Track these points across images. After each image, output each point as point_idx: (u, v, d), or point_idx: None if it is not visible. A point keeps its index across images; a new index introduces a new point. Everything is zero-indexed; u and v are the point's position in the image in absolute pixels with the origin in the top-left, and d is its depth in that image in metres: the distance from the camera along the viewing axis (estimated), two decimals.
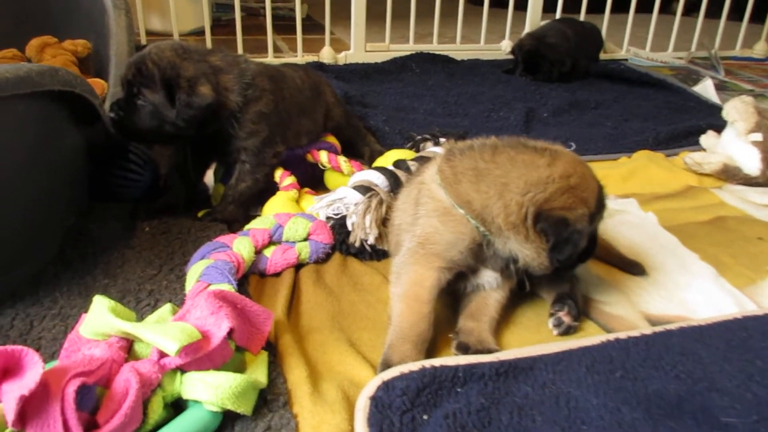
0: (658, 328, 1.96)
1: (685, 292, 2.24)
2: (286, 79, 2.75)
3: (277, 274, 2.21)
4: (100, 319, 1.56)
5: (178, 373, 1.55)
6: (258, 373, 1.68)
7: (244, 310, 1.74)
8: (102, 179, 2.56)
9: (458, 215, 1.86)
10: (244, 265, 2.09)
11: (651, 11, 5.76)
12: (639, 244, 2.54)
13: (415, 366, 1.70)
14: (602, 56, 5.67)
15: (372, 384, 1.65)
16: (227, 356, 1.64)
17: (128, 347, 1.57)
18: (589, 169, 1.92)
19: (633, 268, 2.33)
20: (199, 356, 1.54)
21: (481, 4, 5.47)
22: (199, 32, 5.89)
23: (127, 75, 2.33)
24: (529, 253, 1.83)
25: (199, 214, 2.55)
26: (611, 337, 1.90)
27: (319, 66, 4.71)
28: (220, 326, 1.58)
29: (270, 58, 4.89)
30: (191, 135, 2.41)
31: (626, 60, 5.77)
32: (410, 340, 1.79)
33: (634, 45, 5.92)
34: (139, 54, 2.37)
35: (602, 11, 5.68)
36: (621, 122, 3.98)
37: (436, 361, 1.72)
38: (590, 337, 1.92)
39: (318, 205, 2.43)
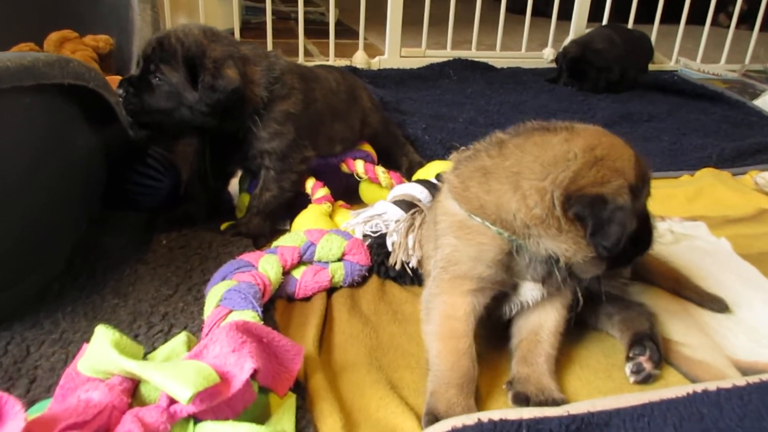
0: (753, 378, 1.66)
1: None
2: (320, 80, 2.51)
3: (307, 299, 1.96)
4: (102, 355, 1.31)
5: (191, 423, 1.29)
6: (284, 421, 1.42)
7: (270, 345, 1.49)
8: (117, 185, 2.33)
9: (475, 225, 1.57)
10: (271, 288, 1.84)
11: (700, 23, 5.44)
12: (715, 275, 2.24)
13: (469, 420, 1.43)
14: (651, 67, 5.35)
15: None
16: (249, 401, 1.38)
17: (132, 389, 1.32)
18: (617, 139, 1.60)
19: (713, 303, 2.03)
20: (216, 402, 1.29)
21: (522, 12, 5.21)
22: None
23: (146, 50, 2.11)
24: (567, 246, 1.50)
25: (222, 227, 2.31)
26: (698, 388, 1.60)
27: (352, 70, 4.47)
28: (242, 367, 1.32)
29: (301, 61, 4.66)
30: (210, 127, 2.17)
31: (676, 71, 5.44)
32: (454, 384, 1.52)
33: (683, 56, 5.59)
34: (163, 31, 2.15)
35: (651, 21, 5.37)
36: (679, 137, 3.67)
37: (495, 414, 1.44)
38: (673, 387, 1.62)
39: (354, 221, 2.17)
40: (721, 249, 2.45)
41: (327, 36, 4.88)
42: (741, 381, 1.64)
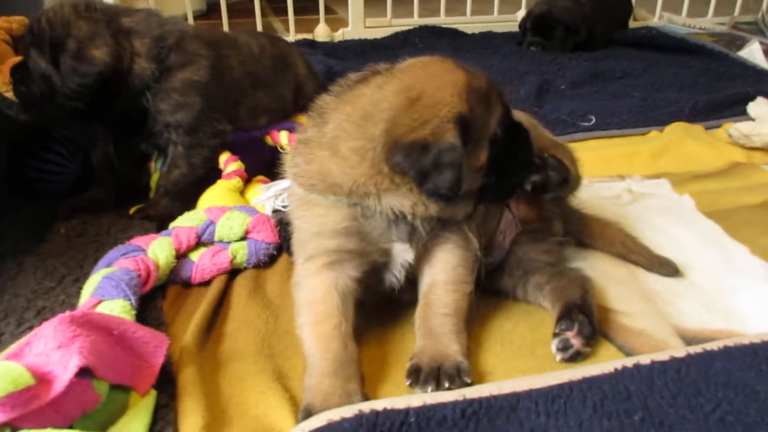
0: (695, 349, 1.45)
1: (732, 298, 1.72)
2: (237, 46, 2.30)
3: (207, 283, 1.77)
4: None
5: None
6: (134, 424, 1.24)
7: (123, 338, 1.30)
8: (20, 174, 2.15)
9: (312, 199, 1.42)
10: (156, 274, 1.66)
11: None
12: (671, 236, 2.02)
13: (348, 411, 1.24)
14: (632, 24, 5.06)
15: None
16: (89, 403, 1.20)
17: None
18: (444, 64, 1.40)
19: (662, 267, 1.82)
20: (34, 407, 1.10)
21: None
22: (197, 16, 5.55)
23: (23, 34, 1.93)
24: (409, 201, 1.34)
25: (131, 211, 2.12)
26: (629, 362, 1.40)
27: (309, 43, 4.26)
28: (66, 365, 1.14)
29: None
30: (103, 111, 1.99)
31: (660, 27, 5.14)
32: (327, 372, 1.34)
33: (668, 11, 5.30)
34: (42, 10, 1.96)
35: None
36: (652, 92, 3.42)
37: (379, 403, 1.25)
38: (600, 363, 1.42)
39: (264, 196, 1.97)
40: (683, 207, 2.23)
41: (304, 13, 4.64)
42: (681, 352, 1.44)
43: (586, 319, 1.49)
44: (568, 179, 1.58)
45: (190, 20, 4.44)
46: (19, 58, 2.43)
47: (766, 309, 1.67)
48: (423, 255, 1.49)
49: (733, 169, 2.50)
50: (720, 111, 3.10)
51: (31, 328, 1.56)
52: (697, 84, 3.58)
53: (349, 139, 1.34)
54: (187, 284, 1.76)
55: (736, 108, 3.11)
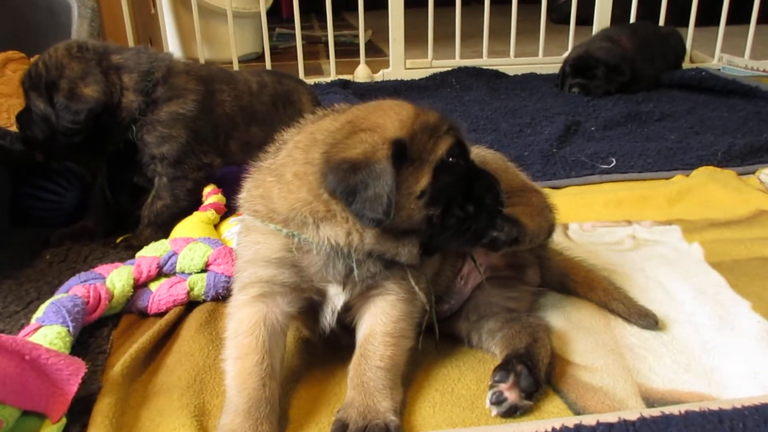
0: (651, 412, 1.30)
1: (716, 358, 1.54)
2: (234, 81, 2.35)
3: (164, 314, 1.76)
4: None
5: None
6: None
7: (36, 363, 1.30)
8: (19, 201, 2.25)
9: (254, 226, 1.39)
10: (108, 303, 1.66)
11: (747, 21, 4.87)
12: (665, 287, 1.85)
13: None
14: (688, 65, 4.84)
15: None
16: None
17: None
18: (398, 102, 1.36)
19: (641, 318, 1.66)
20: None
21: (555, 20, 4.86)
22: (248, 59, 5.77)
23: (21, 79, 2.03)
24: (341, 231, 1.28)
25: (118, 240, 2.16)
26: (570, 422, 1.27)
27: (343, 84, 4.30)
28: None
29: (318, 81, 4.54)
30: (97, 145, 2.06)
31: (718, 70, 4.89)
32: (241, 410, 1.27)
33: (728, 52, 5.03)
34: (40, 55, 2.07)
35: (686, 23, 4.88)
36: (689, 135, 3.23)
37: None
38: (539, 420, 1.29)
39: (235, 229, 1.95)
40: (688, 256, 2.05)
41: (354, 56, 4.79)
42: (633, 414, 1.30)
43: (525, 370, 1.36)
44: (520, 239, 1.46)
45: (235, 63, 4.59)
46: None
47: (753, 371, 1.48)
48: (361, 303, 1.42)
49: (757, 218, 2.29)
50: (759, 155, 2.88)
51: None
52: (743, 128, 3.36)
53: (294, 164, 1.33)
54: (144, 314, 1.76)
55: None
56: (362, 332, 1.42)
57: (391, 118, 1.29)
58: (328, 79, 4.53)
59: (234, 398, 1.30)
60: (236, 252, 1.49)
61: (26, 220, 2.26)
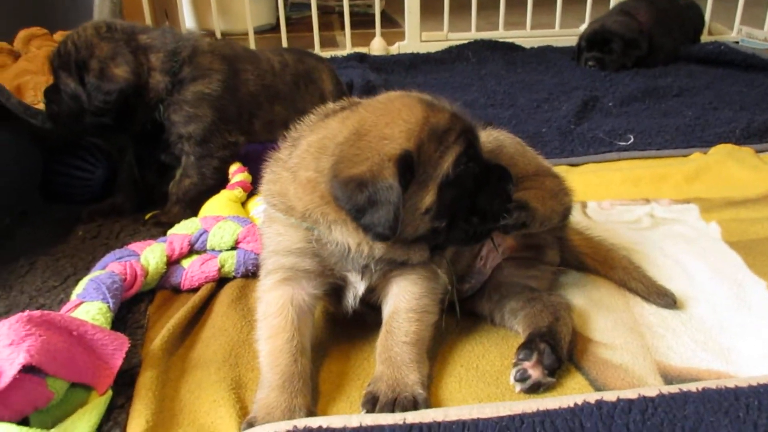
0: (670, 389, 1.35)
1: (733, 337, 1.59)
2: (257, 61, 2.37)
3: (196, 290, 1.82)
4: None
5: None
6: (82, 422, 1.29)
7: (83, 339, 1.37)
8: (49, 179, 2.31)
9: (275, 216, 1.44)
10: (143, 279, 1.72)
11: None
12: (683, 265, 1.89)
13: (284, 426, 1.25)
14: (706, 38, 4.80)
15: None
16: (41, 400, 1.27)
17: None
18: (406, 100, 1.35)
19: (659, 297, 1.70)
20: None
21: None
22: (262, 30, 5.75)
23: (50, 56, 2.07)
24: (353, 240, 1.34)
25: (146, 217, 2.22)
26: (592, 398, 1.33)
27: (360, 57, 4.30)
28: (12, 362, 1.20)
29: (317, 52, 4.54)
30: (129, 126, 2.10)
31: (737, 42, 4.84)
32: (275, 385, 1.34)
33: (748, 24, 4.97)
34: (68, 33, 2.10)
35: None
36: (707, 111, 3.23)
37: (316, 421, 1.26)
38: (560, 397, 1.35)
39: (262, 207, 2.00)
40: (706, 235, 2.08)
41: (368, 26, 4.68)
42: (652, 391, 1.35)
43: (548, 348, 1.42)
44: (528, 223, 1.49)
45: (251, 36, 4.59)
46: None
47: None
48: (384, 284, 1.47)
49: None
50: None
51: None
52: (762, 104, 3.35)
53: (307, 168, 1.35)
54: (177, 290, 1.82)
55: None
56: (387, 310, 1.48)
57: (399, 127, 1.28)
58: (344, 53, 4.53)
59: (268, 374, 1.37)
60: (261, 240, 1.53)
61: (57, 197, 2.32)
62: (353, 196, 1.24)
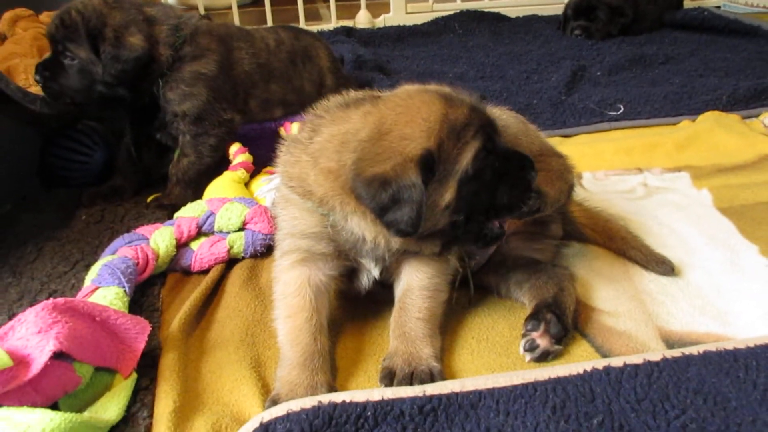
0: (673, 353, 1.42)
1: (729, 301, 1.66)
2: (251, 39, 2.37)
3: (206, 271, 1.85)
4: None
5: None
6: (112, 404, 1.33)
7: (106, 324, 1.40)
8: (47, 163, 2.30)
9: (292, 198, 1.45)
10: (155, 263, 1.75)
11: None
12: (678, 233, 1.96)
13: (309, 402, 1.29)
14: (688, 4, 4.84)
15: (247, 427, 1.26)
16: (70, 384, 1.30)
17: None
18: (425, 96, 1.36)
19: (658, 265, 1.77)
20: (12, 387, 1.21)
21: None
22: (243, 5, 5.66)
23: (51, 30, 2.04)
24: (369, 232, 1.36)
25: (148, 199, 2.23)
26: (600, 364, 1.39)
27: (347, 31, 4.28)
28: (43, 349, 1.23)
29: (302, 25, 4.51)
30: (127, 98, 2.10)
31: (718, 7, 4.89)
32: (296, 363, 1.39)
33: None
34: (66, 5, 2.07)
35: None
36: (693, 78, 3.28)
37: (339, 396, 1.30)
38: (569, 364, 1.41)
39: (266, 188, 2.04)
40: (698, 202, 2.15)
41: None
42: (656, 355, 1.41)
43: (554, 318, 1.48)
44: (542, 209, 1.54)
45: (235, 11, 4.54)
46: None
47: (763, 313, 1.61)
48: (398, 264, 1.51)
49: (761, 163, 2.38)
50: (762, 99, 2.95)
51: None
52: (746, 69, 3.41)
53: (329, 159, 1.36)
54: (187, 272, 1.85)
55: None
56: (400, 287, 1.52)
57: (419, 126, 1.30)
58: (330, 26, 4.50)
59: (288, 353, 1.41)
60: (276, 221, 1.55)
61: (55, 181, 2.32)
62: (377, 195, 1.26)
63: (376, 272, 1.49)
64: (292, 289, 1.46)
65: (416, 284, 1.49)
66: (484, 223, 1.40)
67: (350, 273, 1.54)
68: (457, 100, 1.36)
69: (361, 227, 1.36)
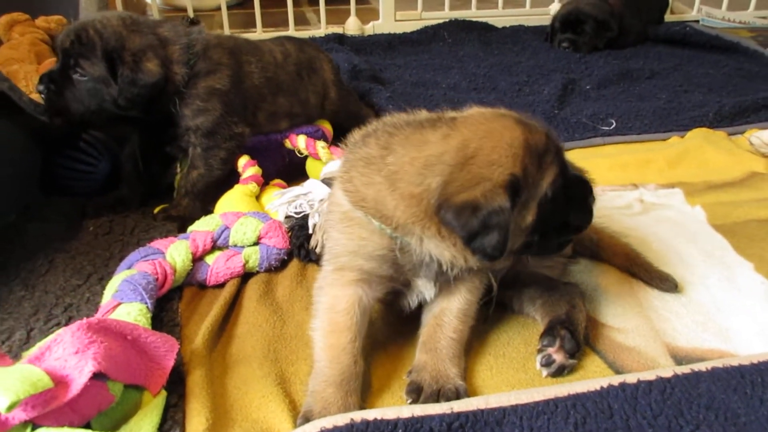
0: (683, 369, 1.49)
1: (728, 317, 1.75)
2: (259, 53, 2.38)
3: (220, 286, 1.87)
4: None
5: (29, 429, 1.23)
6: (145, 422, 1.35)
7: (137, 342, 1.41)
8: (50, 172, 2.29)
9: (357, 217, 1.44)
10: (173, 277, 1.76)
11: None
12: (676, 250, 2.04)
13: (341, 420, 1.33)
14: (669, 18, 4.98)
15: None
16: (104, 403, 1.31)
17: None
18: (503, 121, 1.39)
19: (662, 282, 1.85)
20: (52, 407, 1.22)
21: None
22: (229, 6, 5.63)
23: (64, 42, 2.02)
24: (448, 252, 1.38)
25: (155, 211, 2.24)
26: (615, 381, 1.45)
27: (339, 38, 4.30)
28: (82, 370, 1.25)
29: (291, 32, 4.52)
30: (137, 117, 2.10)
31: (697, 21, 5.04)
32: (333, 381, 1.42)
33: (707, 4, 5.17)
34: (81, 20, 2.06)
35: None
36: (678, 94, 3.39)
37: (371, 413, 1.34)
38: (587, 380, 1.47)
39: (278, 202, 2.06)
40: (693, 219, 2.24)
41: (334, 3, 4.67)
42: (667, 372, 1.48)
43: (568, 334, 1.55)
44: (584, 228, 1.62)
45: (224, 12, 4.53)
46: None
47: (760, 329, 1.69)
48: (454, 285, 1.56)
49: (749, 180, 2.48)
50: (746, 116, 3.06)
51: (58, 324, 1.69)
52: (728, 85, 3.53)
53: (410, 183, 1.36)
54: (203, 286, 1.87)
55: (763, 113, 3.08)
56: (439, 305, 1.56)
57: (505, 152, 1.32)
58: (320, 32, 4.52)
59: (326, 369, 1.43)
60: (334, 235, 1.53)
61: (57, 190, 2.30)
62: (468, 222, 1.28)
63: (430, 293, 1.53)
64: (342, 307, 1.47)
65: (456, 306, 1.54)
66: (553, 240, 1.48)
67: (393, 294, 1.58)
68: (534, 126, 1.40)
69: (441, 249, 1.38)
